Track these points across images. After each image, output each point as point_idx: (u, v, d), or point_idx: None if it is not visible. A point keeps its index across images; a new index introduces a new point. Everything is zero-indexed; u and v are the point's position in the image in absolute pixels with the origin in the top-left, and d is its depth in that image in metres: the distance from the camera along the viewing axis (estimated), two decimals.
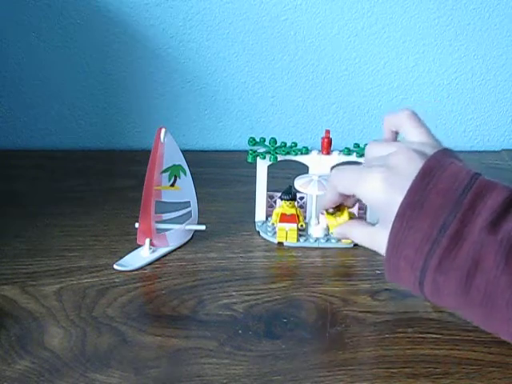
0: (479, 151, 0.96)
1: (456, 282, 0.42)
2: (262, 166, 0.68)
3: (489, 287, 0.41)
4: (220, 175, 0.84)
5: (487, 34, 0.92)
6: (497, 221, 0.42)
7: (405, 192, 0.44)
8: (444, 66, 0.94)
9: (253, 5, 0.88)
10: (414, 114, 0.52)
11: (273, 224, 0.69)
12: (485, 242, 0.41)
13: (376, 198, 0.47)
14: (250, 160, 0.67)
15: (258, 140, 0.68)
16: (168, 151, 0.61)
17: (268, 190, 0.70)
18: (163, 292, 0.59)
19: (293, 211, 0.67)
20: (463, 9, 0.91)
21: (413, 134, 0.51)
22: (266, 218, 0.71)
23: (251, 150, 0.68)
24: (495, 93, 0.96)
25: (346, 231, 0.55)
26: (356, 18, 0.90)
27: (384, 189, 0.46)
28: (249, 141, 0.68)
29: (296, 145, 0.69)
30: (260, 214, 0.71)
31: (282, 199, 0.67)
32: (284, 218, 0.67)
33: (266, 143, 0.68)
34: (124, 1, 0.86)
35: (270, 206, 0.72)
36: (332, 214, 0.57)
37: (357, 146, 0.69)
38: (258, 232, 0.69)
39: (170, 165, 0.62)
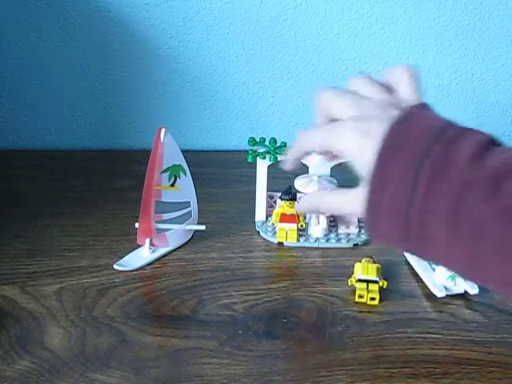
0: None
1: (445, 210, 0.39)
2: (262, 166, 0.68)
3: (477, 214, 0.38)
4: (220, 175, 0.84)
5: (487, 34, 0.92)
6: (480, 153, 0.40)
7: (380, 136, 0.42)
8: (444, 66, 0.94)
9: (253, 5, 0.88)
10: (415, 73, 0.51)
11: (273, 224, 0.69)
12: (471, 169, 0.39)
13: (351, 149, 0.45)
14: (250, 160, 0.67)
15: (258, 140, 0.68)
16: (168, 151, 0.61)
17: (268, 190, 0.70)
18: (163, 292, 0.59)
19: (293, 211, 0.67)
20: (463, 9, 0.91)
21: (405, 92, 0.50)
22: (266, 218, 0.71)
23: (251, 149, 0.68)
24: (495, 93, 0.96)
25: (316, 200, 0.51)
26: (356, 18, 0.90)
27: (357, 138, 0.44)
28: (249, 141, 0.68)
29: None
30: (260, 213, 0.71)
31: (282, 199, 0.67)
32: (284, 218, 0.67)
33: (266, 143, 0.68)
34: (124, 1, 0.86)
35: (270, 206, 0.72)
36: None
37: None
38: (258, 232, 0.69)
39: (170, 165, 0.62)
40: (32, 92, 0.90)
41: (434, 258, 0.44)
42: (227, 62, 0.91)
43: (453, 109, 0.95)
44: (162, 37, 0.88)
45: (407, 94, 0.50)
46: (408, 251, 0.44)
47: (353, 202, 0.45)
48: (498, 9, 0.91)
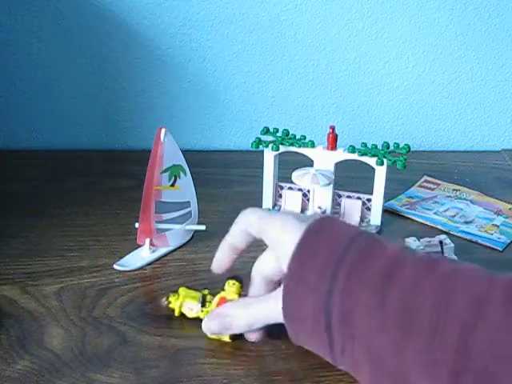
0: (479, 151, 0.96)
1: (369, 294, 0.39)
2: (269, 155, 0.70)
3: (406, 296, 0.38)
4: (220, 175, 0.84)
5: (487, 34, 0.92)
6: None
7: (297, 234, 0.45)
8: (444, 66, 0.94)
9: (253, 5, 0.88)
10: (261, 212, 0.52)
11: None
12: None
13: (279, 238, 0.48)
14: (252, 147, 0.70)
15: (271, 130, 0.71)
16: (168, 151, 0.61)
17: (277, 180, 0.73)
18: (163, 292, 0.59)
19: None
20: (463, 9, 0.91)
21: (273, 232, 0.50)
22: (273, 206, 0.73)
23: (257, 137, 0.70)
24: (495, 93, 0.96)
25: (224, 323, 0.50)
26: (356, 18, 0.90)
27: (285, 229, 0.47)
28: (262, 130, 0.71)
29: (305, 138, 0.71)
30: (267, 201, 0.73)
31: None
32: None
33: (279, 134, 0.71)
34: (124, 1, 0.86)
35: (280, 196, 0.74)
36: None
37: (364, 145, 0.69)
38: None
39: (170, 165, 0.62)
40: (32, 92, 0.90)
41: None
42: (227, 61, 0.91)
43: (453, 109, 0.95)
44: (162, 37, 0.88)
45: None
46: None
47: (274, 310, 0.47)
48: (498, 9, 0.91)
